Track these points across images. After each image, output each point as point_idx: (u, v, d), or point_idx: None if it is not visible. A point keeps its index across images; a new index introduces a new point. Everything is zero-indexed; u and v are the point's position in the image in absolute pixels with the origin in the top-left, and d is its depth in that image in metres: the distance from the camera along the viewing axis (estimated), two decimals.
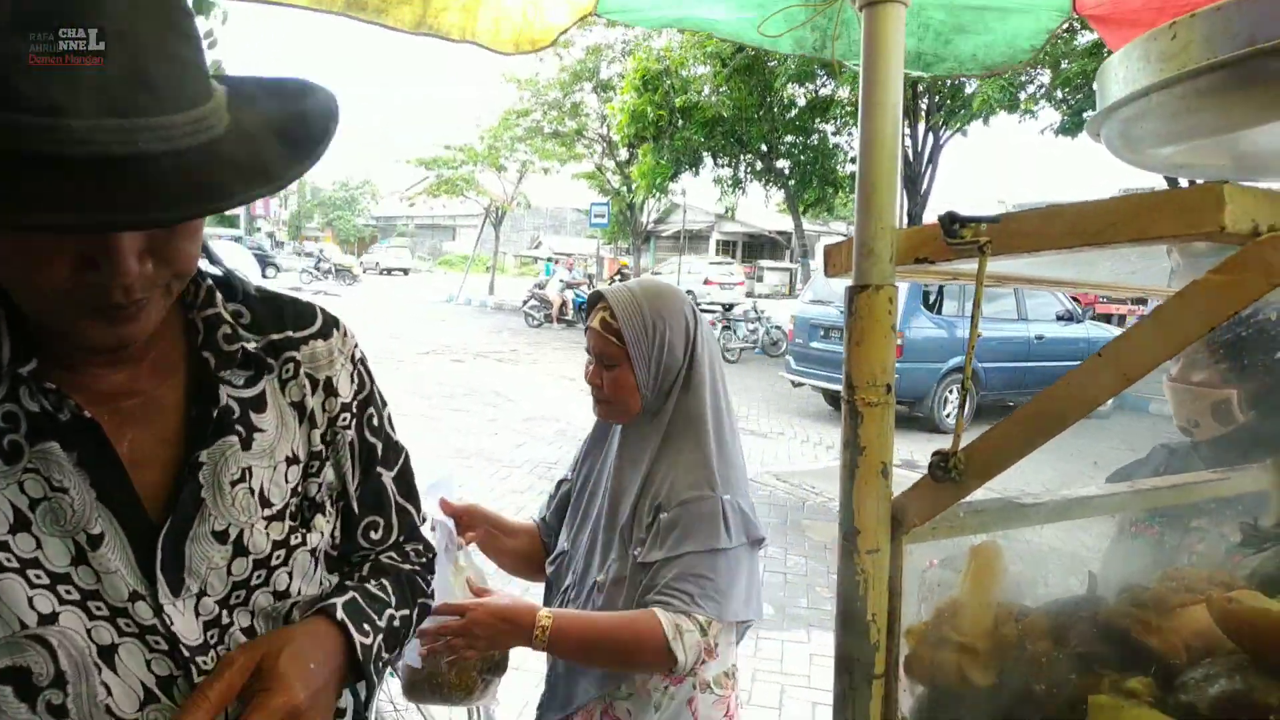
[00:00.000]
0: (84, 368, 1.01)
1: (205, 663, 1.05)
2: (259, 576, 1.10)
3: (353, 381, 1.25)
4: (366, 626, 1.14)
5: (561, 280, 26.42)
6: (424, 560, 1.35)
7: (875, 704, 1.09)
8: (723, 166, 26.66)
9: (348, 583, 1.21)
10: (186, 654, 1.03)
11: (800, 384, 14.36)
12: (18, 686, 0.94)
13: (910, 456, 9.12)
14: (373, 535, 1.28)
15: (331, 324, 1.25)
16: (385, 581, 1.24)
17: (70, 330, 0.94)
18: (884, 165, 1.10)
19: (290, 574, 1.13)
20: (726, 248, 53.17)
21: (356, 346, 1.28)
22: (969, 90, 19.71)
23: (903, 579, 1.09)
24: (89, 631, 0.98)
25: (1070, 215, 0.91)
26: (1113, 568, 1.21)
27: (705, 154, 25.62)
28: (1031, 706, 1.01)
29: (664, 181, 25.84)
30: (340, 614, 1.12)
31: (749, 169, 26.51)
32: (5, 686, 0.94)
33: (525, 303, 25.39)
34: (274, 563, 1.11)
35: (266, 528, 1.11)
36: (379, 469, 1.28)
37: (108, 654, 0.99)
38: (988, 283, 1.01)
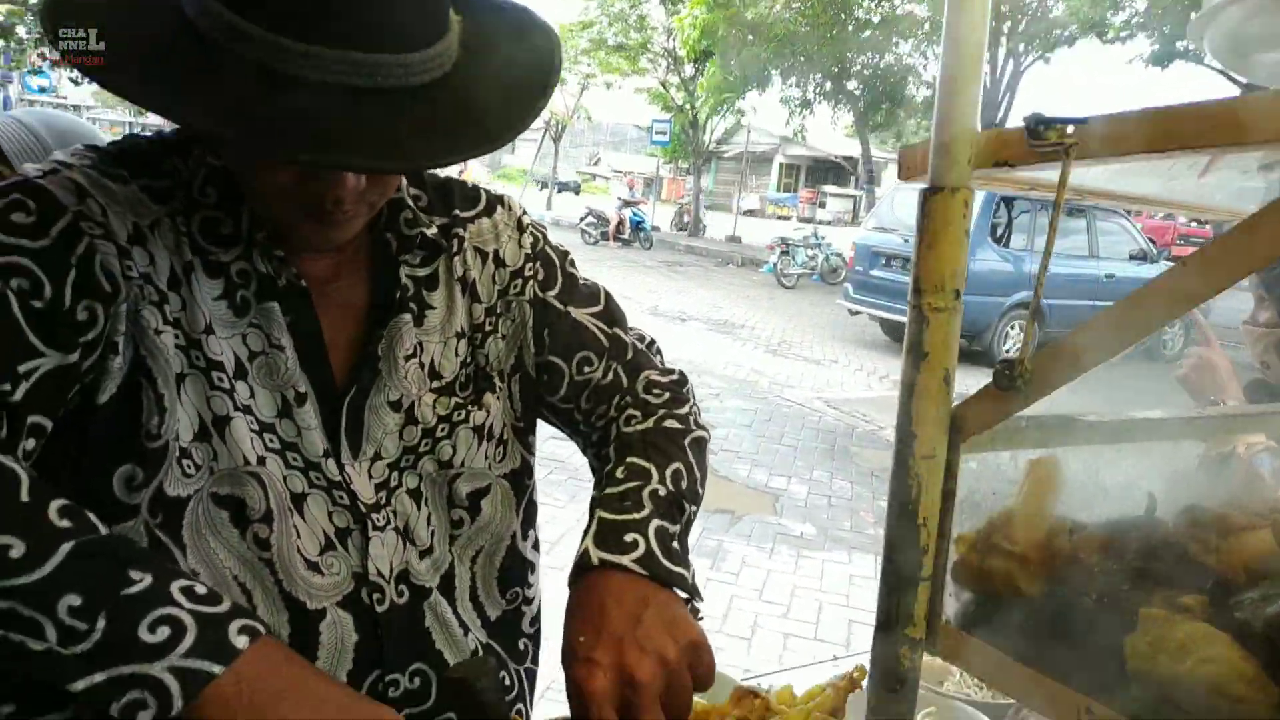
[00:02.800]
0: (294, 254, 1.10)
1: (378, 520, 1.15)
2: (426, 444, 1.19)
3: (521, 247, 1.29)
4: (630, 536, 1.08)
5: (620, 198, 26.18)
6: (667, 394, 1.31)
7: (920, 606, 1.10)
8: (791, 86, 25.87)
9: (594, 492, 1.19)
10: (363, 510, 1.14)
11: (858, 312, 14.18)
12: (233, 513, 1.06)
13: (965, 390, 9.00)
14: (586, 369, 1.28)
15: (496, 201, 1.31)
16: (633, 459, 1.19)
17: (288, 226, 1.05)
18: (967, 63, 1.05)
19: (454, 447, 1.21)
20: (790, 172, 52.00)
21: (524, 214, 1.33)
22: (1057, 12, 18.71)
23: (956, 486, 1.09)
24: (285, 478, 1.09)
25: (1166, 117, 0.87)
26: (1174, 492, 1.18)
27: (774, 73, 24.86)
28: (1079, 616, 1.01)
29: (732, 98, 25.22)
30: (598, 557, 1.06)
31: (818, 89, 25.69)
32: (223, 511, 1.05)
33: (582, 220, 25.29)
34: (439, 434, 1.20)
35: (434, 401, 1.19)
36: (569, 309, 1.29)
37: (299, 501, 1.10)
38: (1067, 196, 0.98)
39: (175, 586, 0.80)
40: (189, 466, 1.04)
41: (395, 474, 1.18)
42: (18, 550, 0.73)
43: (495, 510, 1.27)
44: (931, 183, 1.04)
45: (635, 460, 1.19)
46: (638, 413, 1.28)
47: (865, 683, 1.17)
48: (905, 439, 1.07)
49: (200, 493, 1.04)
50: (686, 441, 1.26)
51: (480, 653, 1.27)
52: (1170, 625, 0.92)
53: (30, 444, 0.91)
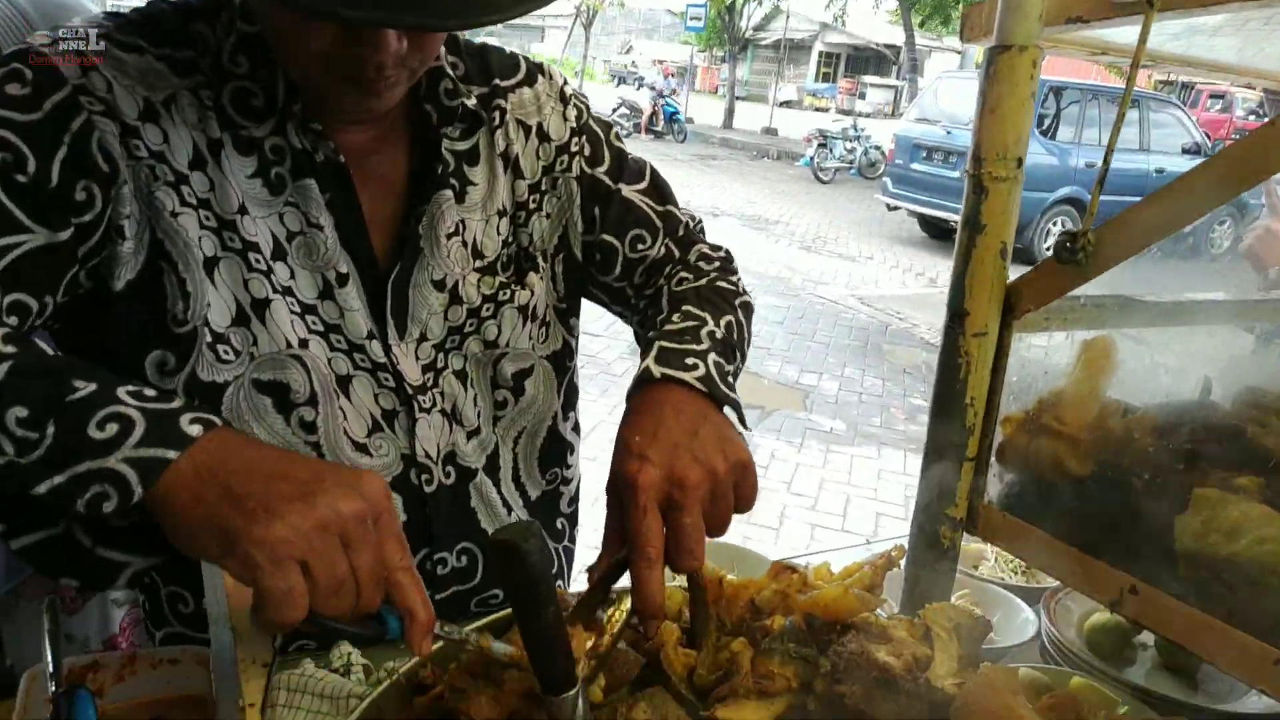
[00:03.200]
0: (331, 127, 1.05)
1: (424, 401, 1.14)
2: (471, 325, 1.17)
3: (566, 120, 1.24)
4: (690, 360, 1.05)
5: (652, 88, 25.46)
6: (717, 263, 1.29)
7: (963, 486, 1.09)
8: None
9: (650, 333, 1.16)
10: (410, 391, 1.13)
11: (896, 207, 13.86)
12: (276, 399, 1.05)
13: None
14: (640, 247, 1.26)
15: (536, 69, 1.24)
16: (688, 307, 1.16)
17: (326, 95, 1.00)
18: None
19: (499, 326, 1.19)
20: (829, 61, 50.11)
21: (565, 84, 1.27)
22: None
23: (1007, 366, 1.06)
24: (329, 361, 1.08)
25: None
26: (1231, 375, 1.15)
27: None
28: (1127, 497, 0.99)
29: None
30: (658, 371, 1.03)
31: None
32: (266, 397, 1.04)
33: (614, 110, 24.69)
34: (484, 314, 1.18)
35: (479, 281, 1.17)
36: (619, 186, 1.26)
37: (344, 384, 1.09)
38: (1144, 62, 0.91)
39: (122, 390, 0.79)
40: (225, 352, 1.02)
41: (441, 355, 1.17)
42: None
43: (538, 391, 1.26)
44: (998, 41, 0.97)
45: (690, 309, 1.17)
46: (690, 275, 1.27)
47: (903, 562, 1.17)
48: (956, 316, 1.04)
49: (240, 379, 1.03)
50: (737, 303, 1.24)
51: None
52: (1225, 505, 0.89)
53: (13, 320, 0.89)
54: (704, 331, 1.12)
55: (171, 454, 0.75)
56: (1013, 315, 1.03)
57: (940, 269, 11.65)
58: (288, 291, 1.05)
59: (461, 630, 0.86)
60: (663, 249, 1.29)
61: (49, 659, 0.95)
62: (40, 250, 0.90)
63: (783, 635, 1.00)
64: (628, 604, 0.96)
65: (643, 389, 1.04)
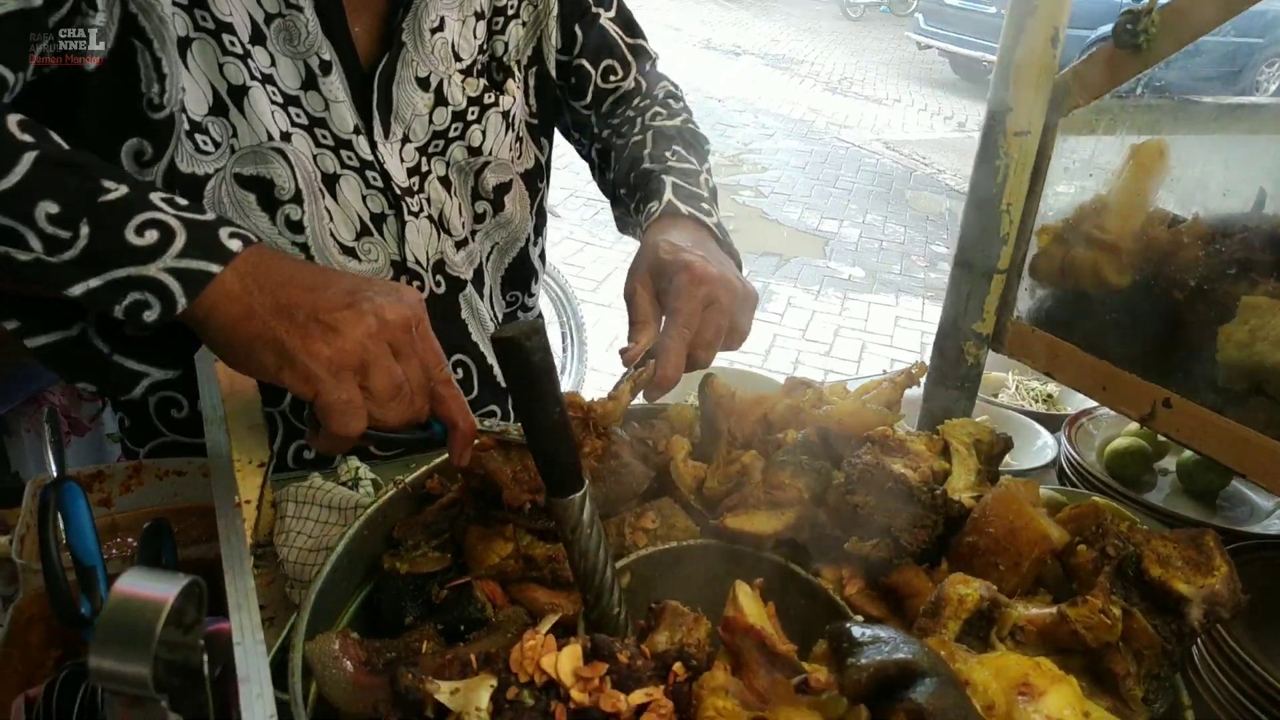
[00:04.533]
0: None
1: (411, 205, 1.12)
2: (455, 129, 1.15)
3: None
4: (704, 205, 1.14)
5: None
6: (683, 103, 1.35)
7: (992, 300, 1.03)
8: None
9: (652, 167, 1.20)
10: (398, 193, 1.10)
11: (928, 46, 13.16)
12: (260, 195, 1.01)
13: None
14: (612, 78, 1.30)
15: None
16: (679, 148, 1.23)
17: None
18: None
19: (484, 132, 1.17)
20: None
21: None
22: None
23: (1048, 169, 0.98)
24: (315, 158, 1.04)
25: None
26: None
27: None
28: (1169, 309, 0.93)
29: None
30: (684, 208, 1.10)
31: None
32: (249, 193, 1.00)
33: None
34: (469, 117, 1.16)
35: (463, 82, 1.15)
36: (599, 10, 1.27)
37: (330, 182, 1.06)
38: None
39: (155, 195, 0.76)
40: (204, 143, 0.98)
41: (425, 160, 1.14)
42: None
43: (516, 208, 1.26)
44: None
45: (681, 150, 1.23)
46: (663, 111, 1.31)
47: (923, 380, 1.13)
48: (998, 113, 0.95)
49: (222, 172, 0.99)
50: (707, 149, 1.30)
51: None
52: (1274, 313, 0.83)
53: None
54: (701, 179, 1.19)
55: (215, 268, 0.73)
56: (1059, 113, 0.94)
57: (971, 113, 11.17)
58: (268, 80, 1.00)
59: (501, 424, 0.89)
60: (633, 82, 1.32)
61: (53, 467, 0.94)
62: (13, 15, 0.83)
63: (795, 448, 0.97)
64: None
65: (667, 218, 1.10)
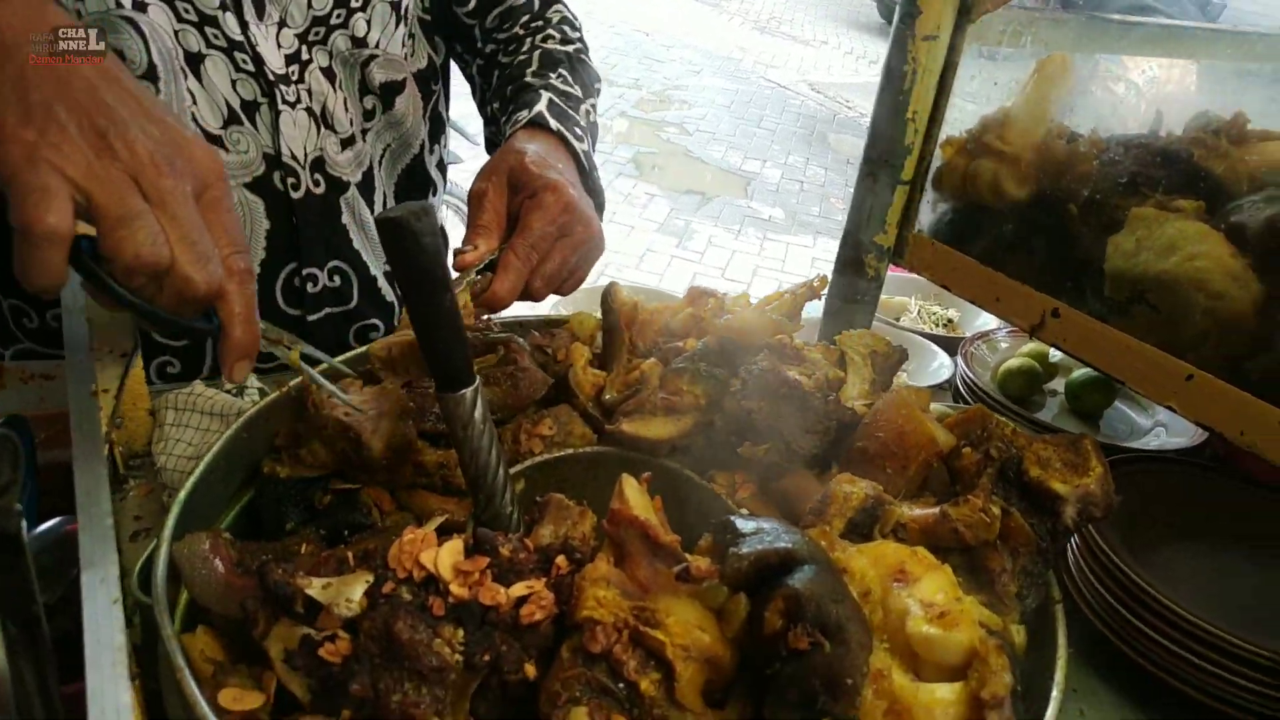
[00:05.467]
0: None
1: (288, 94, 1.05)
2: (338, 16, 1.08)
3: None
4: (578, 131, 1.09)
5: None
6: (579, 35, 1.29)
7: (894, 211, 1.03)
8: None
9: (533, 81, 1.17)
10: (271, 79, 1.04)
11: None
12: None
13: None
14: None
15: None
16: (564, 72, 1.19)
17: None
18: None
19: (369, 22, 1.10)
20: None
21: None
22: None
23: (955, 77, 0.97)
24: (176, 34, 0.97)
25: None
26: (1189, 108, 1.08)
27: None
28: (1061, 221, 0.94)
29: None
30: (554, 124, 1.06)
31: None
32: None
33: None
34: (353, 4, 1.09)
35: None
36: None
37: (194, 62, 0.99)
38: None
39: None
40: None
41: (305, 48, 1.07)
42: None
43: (408, 108, 1.19)
44: None
45: (566, 75, 1.18)
46: (555, 34, 1.26)
47: (825, 292, 1.13)
48: (907, 15, 0.93)
49: None
50: (596, 87, 1.26)
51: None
52: (1160, 223, 0.85)
53: None
54: (582, 109, 1.15)
55: None
56: (967, 18, 0.93)
57: None
58: None
59: (280, 333, 0.79)
60: (522, 1, 1.25)
61: None
62: None
63: (694, 355, 0.96)
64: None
65: (534, 128, 1.05)
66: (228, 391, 1.12)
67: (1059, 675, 0.69)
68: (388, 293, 1.26)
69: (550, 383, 0.99)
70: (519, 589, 0.64)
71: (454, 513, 0.86)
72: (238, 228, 0.69)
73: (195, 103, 1.00)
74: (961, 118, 1.02)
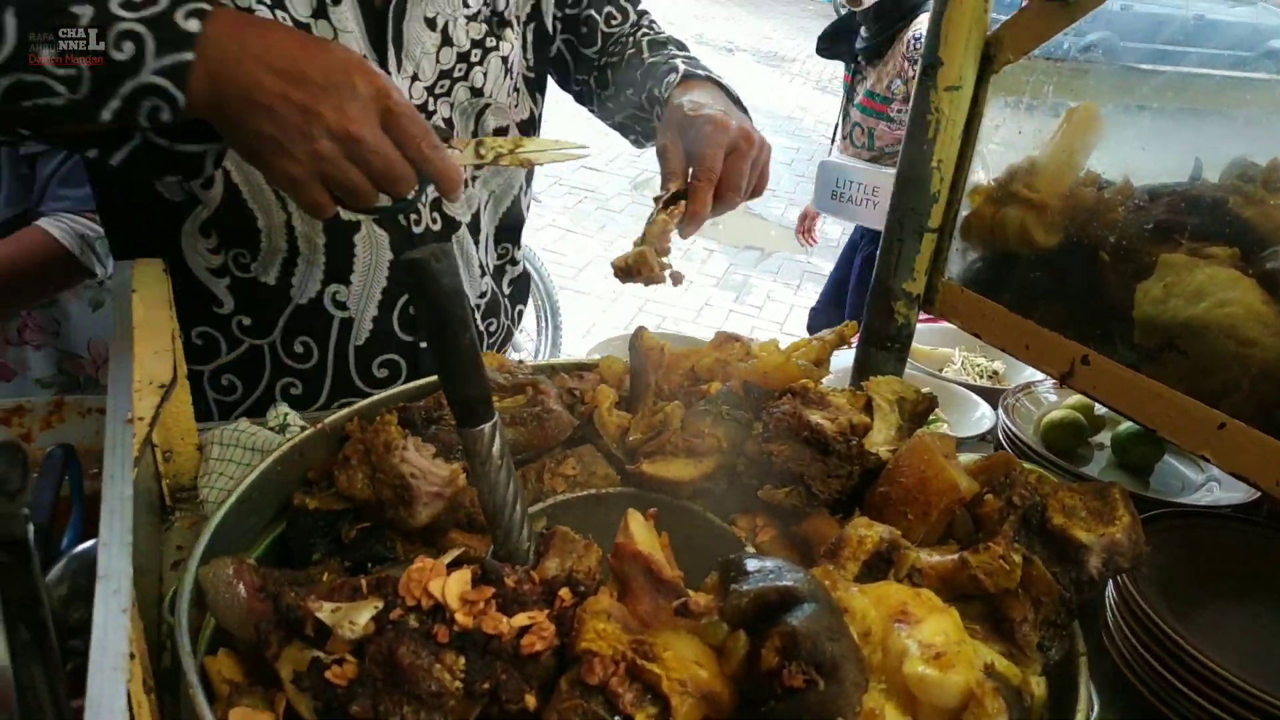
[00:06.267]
0: None
1: None
2: (460, 70, 1.21)
3: None
4: (715, 74, 1.27)
5: None
6: (662, 30, 1.45)
7: (923, 260, 1.03)
8: None
9: (654, 59, 1.32)
10: None
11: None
12: None
13: None
14: (614, 22, 1.40)
15: None
16: (673, 48, 1.36)
17: None
18: None
19: (485, 74, 1.23)
20: None
21: None
22: None
23: (980, 127, 0.98)
24: None
25: None
26: (1227, 156, 1.06)
27: None
28: (1091, 268, 0.93)
29: None
30: (700, 71, 1.25)
31: None
32: None
33: None
34: (472, 59, 1.22)
35: (467, 25, 1.21)
36: None
37: None
38: None
39: (114, 4, 0.79)
40: None
41: (432, 99, 1.20)
42: None
43: None
44: None
45: (675, 50, 1.34)
46: (649, 30, 1.41)
47: (855, 340, 1.13)
48: (930, 67, 0.95)
49: None
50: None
51: (492, 297, 1.39)
52: (1190, 270, 0.84)
53: None
54: (701, 65, 1.30)
55: (187, 55, 0.79)
56: (992, 67, 0.94)
57: None
58: (280, 5, 1.04)
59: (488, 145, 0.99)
60: (629, 22, 1.41)
61: None
62: None
63: (717, 398, 0.97)
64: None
65: (687, 80, 1.23)
66: (271, 429, 1.16)
67: None
68: (478, 321, 1.39)
69: (575, 424, 1.00)
70: (521, 619, 0.65)
71: (475, 549, 0.88)
72: (415, 122, 0.85)
73: None
74: (990, 165, 1.02)
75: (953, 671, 0.55)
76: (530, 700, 0.63)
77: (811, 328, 4.49)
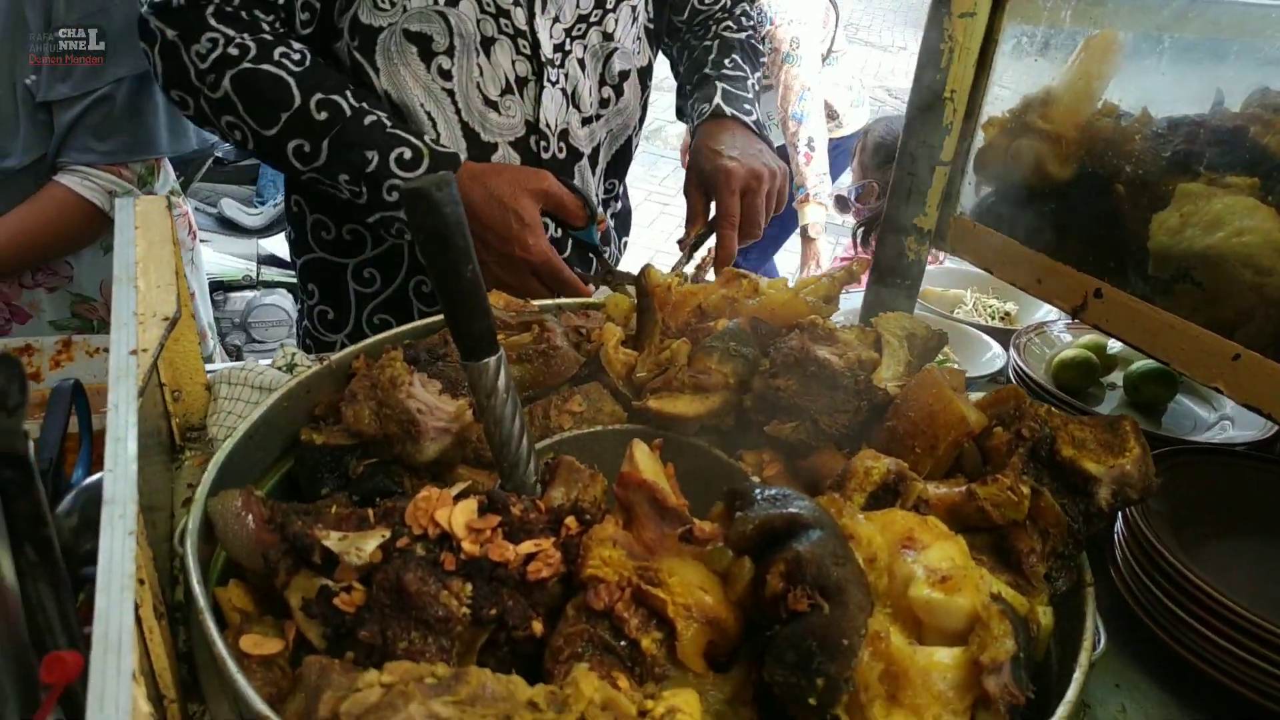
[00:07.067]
0: None
1: (552, 75, 1.32)
2: (596, 15, 1.35)
3: None
4: (747, 106, 1.45)
5: None
6: (753, 18, 1.62)
7: (934, 193, 1.01)
8: None
9: (710, 73, 1.51)
10: (543, 61, 1.31)
11: None
12: (420, 48, 1.24)
13: None
14: (706, 0, 1.57)
15: None
16: (736, 57, 1.53)
17: None
18: None
19: (616, 20, 1.37)
20: None
21: None
22: None
23: (995, 55, 0.95)
24: (478, 23, 1.25)
25: None
26: (1250, 86, 1.03)
27: None
28: (1106, 200, 0.91)
29: None
30: (728, 109, 1.42)
31: None
32: (411, 45, 1.23)
33: None
34: (607, 6, 1.36)
35: None
36: None
37: (487, 44, 1.27)
38: None
39: (393, 159, 1.15)
40: (382, 1, 1.20)
41: (569, 40, 1.33)
42: (308, 147, 1.16)
43: (631, 97, 1.45)
44: None
45: (738, 59, 1.52)
46: (733, 24, 1.58)
47: (865, 276, 1.11)
48: None
49: (394, 26, 1.21)
50: (761, 60, 1.61)
51: (602, 220, 1.53)
52: (1208, 199, 0.82)
53: (305, 15, 1.21)
54: (749, 83, 1.50)
55: None
56: None
57: None
58: None
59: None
60: (720, 4, 1.57)
61: None
62: None
63: (724, 334, 0.96)
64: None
65: (715, 120, 1.41)
66: (278, 369, 1.16)
67: (1083, 656, 0.67)
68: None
69: (582, 361, 1.00)
70: (527, 546, 0.65)
71: (482, 483, 0.88)
72: (562, 198, 1.21)
73: (482, 75, 1.27)
74: (1003, 96, 1.00)
75: (959, 594, 0.55)
76: (537, 626, 0.64)
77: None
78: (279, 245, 3.43)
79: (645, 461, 0.67)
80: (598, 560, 0.63)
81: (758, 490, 0.66)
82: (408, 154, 1.16)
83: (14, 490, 0.42)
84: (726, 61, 1.52)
